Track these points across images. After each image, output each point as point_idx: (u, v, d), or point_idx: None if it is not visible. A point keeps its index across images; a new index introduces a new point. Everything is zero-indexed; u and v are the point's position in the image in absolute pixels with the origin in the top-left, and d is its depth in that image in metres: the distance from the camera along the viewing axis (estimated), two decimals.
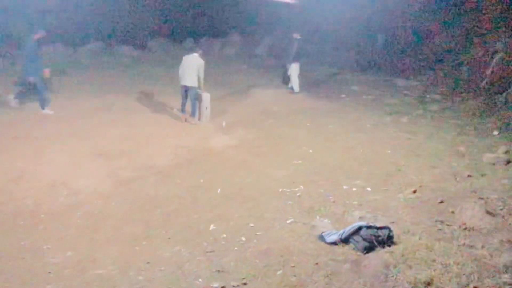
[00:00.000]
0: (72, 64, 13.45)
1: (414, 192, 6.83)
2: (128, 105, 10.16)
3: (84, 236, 5.77)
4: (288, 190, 7.02)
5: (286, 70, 11.84)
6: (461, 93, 11.79)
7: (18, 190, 6.65)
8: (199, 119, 9.68)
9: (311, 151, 8.54)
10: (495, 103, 10.90)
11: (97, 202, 6.55)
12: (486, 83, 11.35)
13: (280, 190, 7.02)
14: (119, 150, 8.10)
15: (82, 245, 5.59)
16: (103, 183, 7.06)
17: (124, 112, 9.81)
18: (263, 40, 16.65)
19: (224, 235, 5.82)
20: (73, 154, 7.79)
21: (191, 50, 9.87)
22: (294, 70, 11.59)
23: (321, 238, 5.74)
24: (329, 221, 6.16)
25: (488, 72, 11.36)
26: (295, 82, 11.65)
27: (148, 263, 5.25)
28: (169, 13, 16.25)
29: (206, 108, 9.67)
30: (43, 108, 9.69)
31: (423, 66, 13.98)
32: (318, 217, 6.28)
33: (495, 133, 9.30)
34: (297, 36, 11.60)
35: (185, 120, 9.61)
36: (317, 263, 5.20)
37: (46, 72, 9.64)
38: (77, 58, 14.09)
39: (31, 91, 9.80)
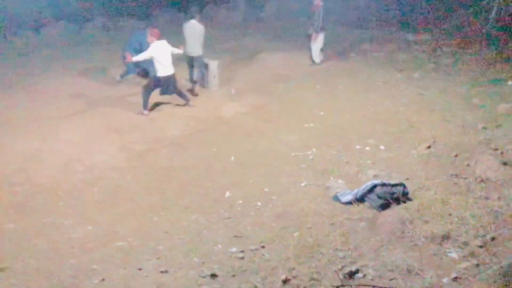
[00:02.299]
0: (80, 41, 13.37)
1: (428, 147, 6.79)
2: (136, 78, 10.10)
3: (103, 210, 5.88)
4: (301, 153, 7.03)
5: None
6: (472, 43, 11.48)
7: (35, 169, 6.76)
8: (206, 87, 9.56)
9: (322, 113, 8.49)
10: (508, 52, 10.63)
11: (113, 177, 6.64)
12: (490, 28, 11.01)
13: (293, 154, 7.03)
14: (130, 124, 8.14)
15: (101, 219, 5.70)
16: (118, 157, 7.14)
17: (134, 86, 9.77)
18: (269, 3, 16.34)
19: (240, 201, 5.89)
20: (86, 131, 7.85)
21: (189, 17, 9.37)
22: (318, 41, 10.92)
23: (336, 198, 5.78)
24: (343, 182, 6.18)
25: (491, 16, 10.97)
26: (316, 53, 11.06)
27: (167, 232, 5.37)
28: None
29: (214, 76, 9.57)
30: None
31: (433, 19, 13.60)
32: (332, 178, 6.31)
33: (510, 83, 9.10)
34: (319, 3, 10.78)
35: (196, 94, 9.43)
36: (333, 223, 5.26)
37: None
38: (84, 36, 13.98)
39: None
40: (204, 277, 4.51)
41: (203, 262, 4.75)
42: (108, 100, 9.05)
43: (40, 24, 14.04)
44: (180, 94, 8.77)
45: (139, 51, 8.63)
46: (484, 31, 11.27)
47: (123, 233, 5.40)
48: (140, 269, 4.72)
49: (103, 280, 4.59)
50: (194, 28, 9.11)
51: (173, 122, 8.31)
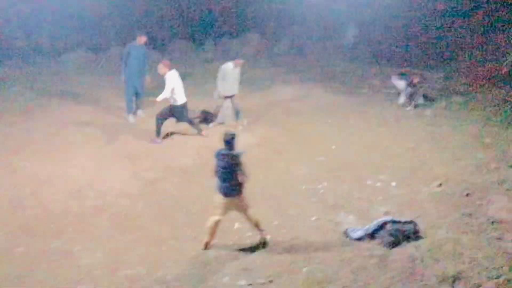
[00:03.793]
0: (97, 69, 13.68)
1: (440, 185, 6.77)
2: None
3: (113, 237, 5.89)
4: (312, 187, 7.03)
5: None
6: (484, 84, 11.54)
7: (47, 194, 6.82)
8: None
9: (333, 147, 8.51)
10: None
11: (124, 204, 6.67)
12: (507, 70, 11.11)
13: (303, 187, 7.03)
14: (143, 152, 8.22)
15: (110, 246, 5.71)
16: (129, 184, 7.19)
17: (148, 114, 9.92)
18: (282, 39, 16.61)
19: (249, 234, 5.86)
20: (99, 157, 7.94)
21: (228, 59, 9.52)
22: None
23: (346, 234, 5.74)
24: (354, 217, 6.16)
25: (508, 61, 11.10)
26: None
27: (175, 262, 5.34)
28: (188, 13, 16.29)
29: (228, 109, 9.66)
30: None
31: (444, 58, 13.72)
32: (342, 213, 6.28)
33: None
34: None
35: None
36: (342, 259, 5.21)
37: (148, 80, 9.59)
38: (98, 63, 14.29)
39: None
40: None
41: None
42: (121, 128, 9.18)
43: (60, 51, 14.36)
44: (192, 123, 8.88)
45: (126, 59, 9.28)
46: (500, 71, 11.35)
47: (132, 261, 5.39)
48: None
49: None
50: (235, 70, 9.28)
51: (185, 151, 8.38)
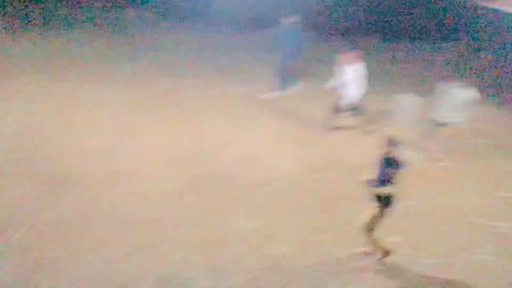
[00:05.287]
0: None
1: None
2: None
3: (270, 212, 6.07)
4: (490, 223, 6.24)
5: None
6: None
7: (224, 156, 7.31)
8: None
9: None
10: None
11: (287, 185, 6.78)
12: None
13: (479, 220, 6.28)
14: (309, 140, 8.23)
15: (267, 219, 5.91)
16: (295, 167, 7.28)
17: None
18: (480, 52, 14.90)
19: (407, 251, 5.47)
20: (269, 134, 8.22)
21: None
22: None
23: None
24: None
25: None
26: None
27: (326, 253, 5.24)
28: (383, 10, 15.61)
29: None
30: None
31: None
32: None
33: None
34: None
35: None
36: None
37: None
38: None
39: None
40: None
41: None
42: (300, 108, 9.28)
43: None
44: (360, 116, 8.54)
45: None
46: None
47: (282, 240, 5.48)
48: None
49: None
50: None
51: (353, 147, 8.13)
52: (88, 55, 10.99)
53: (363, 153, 7.91)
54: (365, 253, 5.33)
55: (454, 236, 5.92)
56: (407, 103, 8.93)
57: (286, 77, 9.75)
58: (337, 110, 8.44)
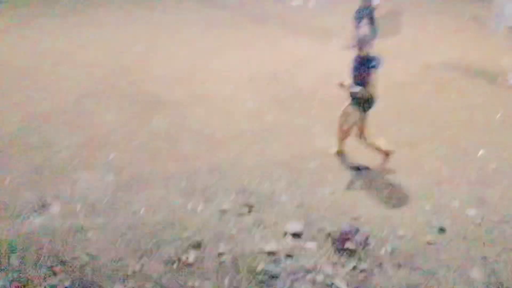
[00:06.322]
0: None
1: None
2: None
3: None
4: None
5: None
6: None
7: (300, 73, 7.27)
8: None
9: None
10: None
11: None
12: None
13: None
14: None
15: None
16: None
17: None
18: None
19: (494, 166, 5.25)
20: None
21: None
22: None
23: None
24: None
25: None
26: None
27: (406, 170, 5.20)
28: None
29: None
30: None
31: None
32: None
33: None
34: None
35: None
36: None
37: None
38: None
39: None
40: (432, 227, 4.30)
41: (435, 213, 4.50)
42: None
43: None
44: None
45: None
46: None
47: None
48: (371, 195, 4.78)
49: (332, 193, 4.82)
50: None
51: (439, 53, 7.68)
52: None
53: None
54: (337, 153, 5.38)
55: None
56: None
57: None
58: None
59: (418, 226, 4.31)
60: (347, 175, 5.10)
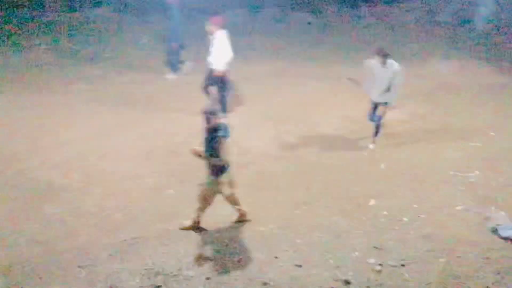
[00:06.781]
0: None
1: None
2: (298, 71, 10.29)
3: (250, 194, 6.10)
4: (461, 174, 6.46)
5: None
6: None
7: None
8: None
9: (493, 133, 7.67)
10: None
11: (264, 163, 6.88)
12: None
13: (451, 172, 6.50)
14: (286, 116, 8.33)
15: (247, 201, 5.94)
16: (271, 145, 7.38)
17: (294, 78, 9.97)
18: (448, 6, 15.11)
19: (385, 212, 5.65)
20: (245, 117, 8.25)
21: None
22: None
23: (495, 231, 5.23)
24: (506, 214, 5.52)
25: None
26: None
27: (307, 227, 5.39)
28: None
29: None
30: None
31: None
32: (493, 207, 5.68)
33: None
34: None
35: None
36: (487, 257, 4.77)
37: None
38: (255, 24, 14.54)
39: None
40: (337, 280, 4.44)
41: (338, 266, 4.68)
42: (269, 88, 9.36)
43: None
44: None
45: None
46: None
47: (265, 220, 5.56)
48: (276, 257, 4.84)
49: (239, 260, 4.81)
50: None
51: (328, 119, 8.28)
52: None
53: (338, 124, 8.09)
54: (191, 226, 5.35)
55: (430, 191, 6.11)
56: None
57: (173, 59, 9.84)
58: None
59: (325, 282, 4.43)
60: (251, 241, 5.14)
